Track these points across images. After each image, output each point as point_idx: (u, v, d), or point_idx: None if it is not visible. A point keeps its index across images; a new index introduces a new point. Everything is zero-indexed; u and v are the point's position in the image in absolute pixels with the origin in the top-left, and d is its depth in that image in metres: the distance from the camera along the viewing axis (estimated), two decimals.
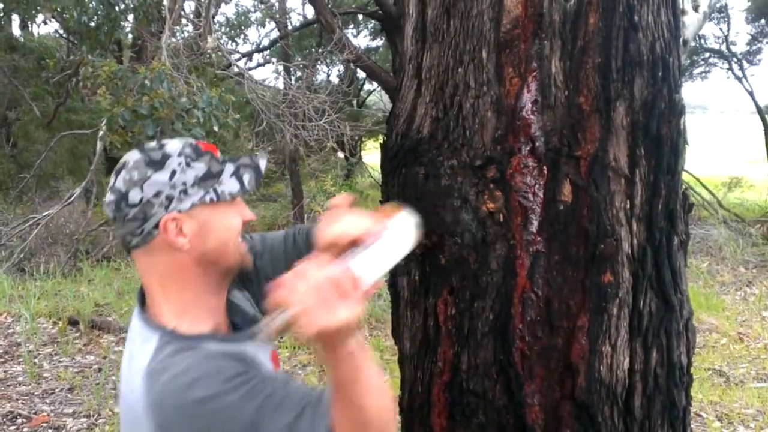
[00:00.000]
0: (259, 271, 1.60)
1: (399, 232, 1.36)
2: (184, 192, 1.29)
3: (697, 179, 11.40)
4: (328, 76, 17.59)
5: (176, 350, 1.27)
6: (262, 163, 1.40)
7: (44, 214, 9.23)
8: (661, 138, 1.60)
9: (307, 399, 1.23)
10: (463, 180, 1.64)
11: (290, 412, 1.21)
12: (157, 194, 1.28)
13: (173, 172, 1.29)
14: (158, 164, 1.29)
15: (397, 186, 1.77)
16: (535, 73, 1.58)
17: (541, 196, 1.58)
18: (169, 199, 1.29)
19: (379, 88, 12.05)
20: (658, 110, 1.60)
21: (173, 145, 1.33)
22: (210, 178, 1.32)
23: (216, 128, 6.14)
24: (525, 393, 1.59)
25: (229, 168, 1.35)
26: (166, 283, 1.34)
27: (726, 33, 16.09)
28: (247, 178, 1.36)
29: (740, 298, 7.35)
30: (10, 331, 6.20)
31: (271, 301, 1.11)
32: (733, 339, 5.92)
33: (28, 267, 8.55)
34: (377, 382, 1.20)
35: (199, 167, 1.32)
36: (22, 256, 8.68)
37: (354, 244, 1.32)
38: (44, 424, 4.36)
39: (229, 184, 1.34)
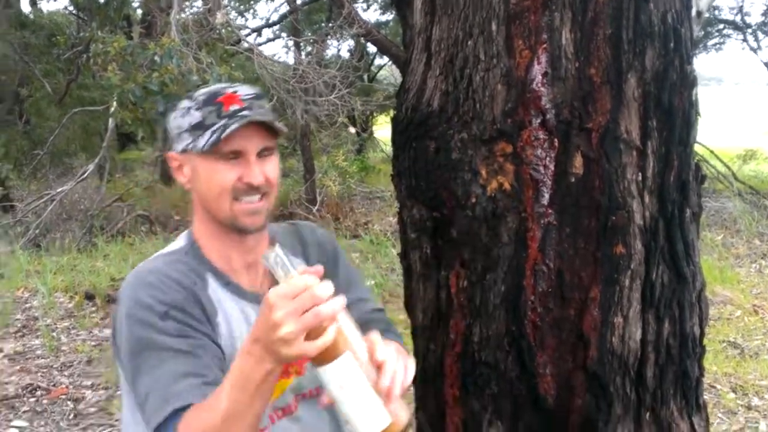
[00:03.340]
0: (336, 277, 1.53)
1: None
2: (179, 135, 1.42)
3: (712, 151, 11.29)
4: (338, 50, 17.48)
5: (172, 252, 1.49)
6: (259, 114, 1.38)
7: (58, 190, 9.29)
8: (673, 109, 1.60)
9: (186, 382, 1.28)
10: (474, 153, 1.64)
11: (151, 385, 1.30)
12: (170, 130, 1.45)
13: (177, 116, 1.43)
14: (179, 105, 1.43)
15: (408, 160, 1.77)
16: (545, 45, 1.57)
17: (552, 168, 1.58)
18: (173, 138, 1.44)
19: (390, 62, 11.99)
20: (669, 81, 1.59)
21: (200, 91, 1.43)
22: (200, 128, 1.37)
23: None
24: (537, 363, 1.60)
25: (223, 124, 1.35)
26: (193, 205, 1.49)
27: (740, 3, 15.88)
28: (213, 138, 1.34)
29: (755, 270, 7.32)
30: (27, 305, 6.27)
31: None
32: (747, 311, 5.90)
33: (44, 243, 8.62)
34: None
35: (195, 116, 1.39)
36: (37, 231, 8.75)
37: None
38: (63, 396, 4.43)
39: (204, 138, 1.36)
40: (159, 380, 1.30)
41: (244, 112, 1.37)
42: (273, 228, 1.61)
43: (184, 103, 1.43)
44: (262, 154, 1.40)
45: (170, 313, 1.35)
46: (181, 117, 1.42)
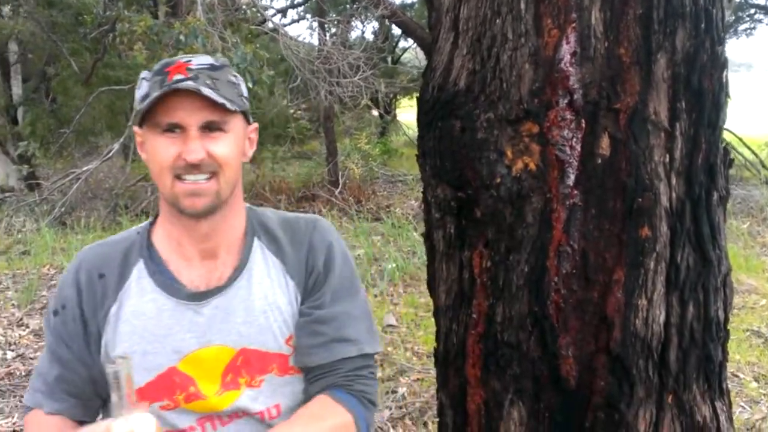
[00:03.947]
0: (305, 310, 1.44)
1: None
2: (136, 108, 1.32)
3: (740, 139, 11.13)
4: (363, 32, 17.44)
5: (134, 228, 1.47)
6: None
7: (84, 169, 9.37)
8: (702, 91, 1.58)
9: (40, 382, 1.42)
10: (500, 133, 1.63)
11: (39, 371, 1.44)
12: None
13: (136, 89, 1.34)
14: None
15: (433, 139, 1.77)
16: (574, 24, 1.56)
17: (579, 149, 1.57)
18: None
19: (414, 44, 11.92)
20: (700, 63, 1.57)
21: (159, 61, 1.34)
22: (144, 100, 1.28)
23: (251, 84, 6.16)
24: (559, 345, 1.60)
25: (156, 95, 1.25)
26: None
27: None
28: (141, 109, 1.27)
29: None
30: (52, 282, 6.35)
31: None
32: None
33: (69, 221, 8.72)
34: None
35: (144, 88, 1.31)
36: (63, 210, 8.85)
37: None
38: None
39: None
40: (38, 363, 1.45)
41: (186, 83, 1.24)
42: (267, 215, 1.50)
43: (141, 75, 1.34)
44: (209, 128, 1.28)
45: (60, 311, 1.40)
46: (137, 90, 1.33)
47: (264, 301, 1.40)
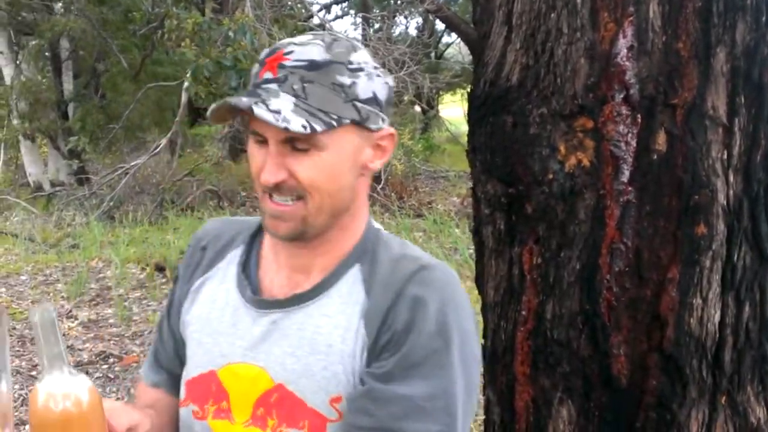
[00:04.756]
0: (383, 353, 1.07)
1: None
2: None
3: None
4: (407, 28, 17.44)
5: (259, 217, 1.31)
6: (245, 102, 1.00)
7: (132, 163, 9.56)
8: (763, 86, 1.54)
9: (150, 352, 1.35)
10: (553, 128, 1.62)
11: None
12: None
13: None
14: None
15: (484, 135, 1.76)
16: (631, 18, 1.53)
17: (634, 145, 1.54)
18: None
19: (458, 40, 11.89)
20: (760, 56, 1.54)
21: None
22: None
23: None
24: (611, 343, 1.58)
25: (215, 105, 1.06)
26: None
27: None
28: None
29: None
30: (101, 275, 6.50)
31: None
32: None
33: (117, 215, 8.92)
34: None
35: (252, 74, 1.12)
36: (111, 204, 9.04)
37: None
38: (134, 364, 4.59)
39: None
40: None
41: (269, 85, 1.03)
42: (390, 243, 1.18)
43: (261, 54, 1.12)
44: (291, 145, 1.02)
45: (176, 279, 1.31)
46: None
47: (325, 338, 1.10)
